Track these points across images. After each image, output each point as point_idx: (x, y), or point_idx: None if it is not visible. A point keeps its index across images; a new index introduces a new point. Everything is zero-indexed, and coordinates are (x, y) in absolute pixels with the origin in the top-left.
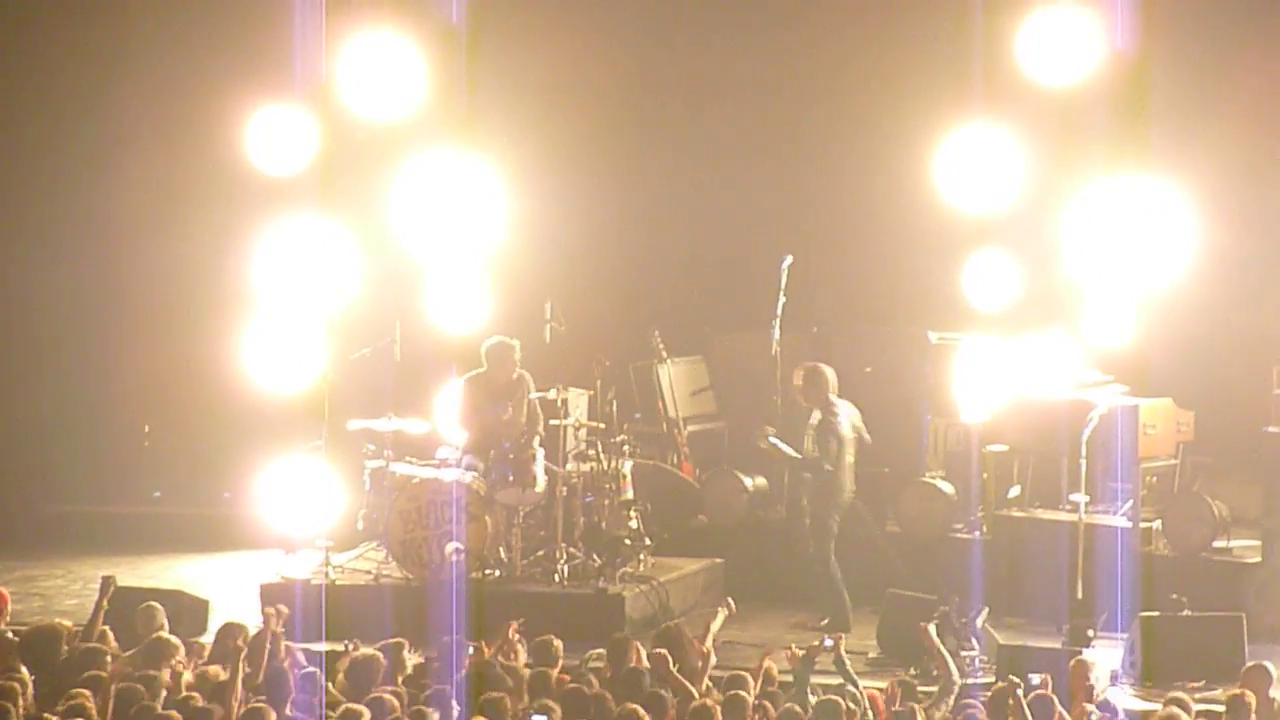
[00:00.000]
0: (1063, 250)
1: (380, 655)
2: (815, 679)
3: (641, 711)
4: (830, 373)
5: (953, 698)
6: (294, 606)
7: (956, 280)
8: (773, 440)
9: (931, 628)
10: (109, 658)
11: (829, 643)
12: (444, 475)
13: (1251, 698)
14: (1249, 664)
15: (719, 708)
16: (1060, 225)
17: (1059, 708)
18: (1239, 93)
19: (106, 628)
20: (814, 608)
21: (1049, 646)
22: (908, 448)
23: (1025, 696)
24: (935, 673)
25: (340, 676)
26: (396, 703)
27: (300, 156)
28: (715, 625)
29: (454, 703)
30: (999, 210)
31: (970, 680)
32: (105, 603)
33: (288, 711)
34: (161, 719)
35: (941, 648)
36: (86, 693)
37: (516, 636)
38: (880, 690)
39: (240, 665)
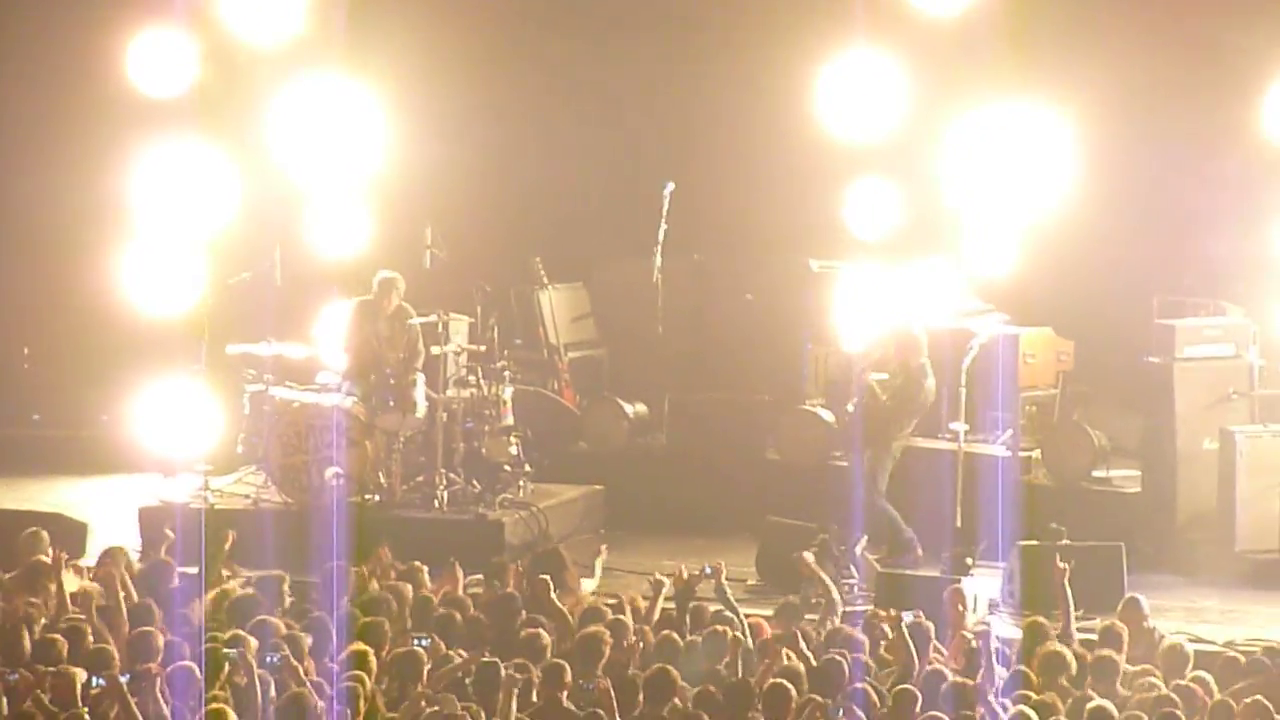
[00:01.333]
0: (943, 179)
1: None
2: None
3: (543, 633)
4: None
5: (836, 619)
6: (174, 530)
7: (837, 208)
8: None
9: (809, 555)
10: None
11: (709, 570)
12: (324, 400)
13: (1123, 628)
14: (1125, 597)
15: (606, 632)
16: (941, 153)
17: (933, 638)
18: (1120, 21)
19: None
20: (690, 534)
21: (928, 575)
22: (788, 375)
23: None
24: (815, 600)
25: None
26: (282, 626)
27: (181, 79)
28: (596, 574)
29: (333, 628)
30: (879, 138)
31: (849, 609)
32: None
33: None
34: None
35: (821, 573)
36: None
37: (389, 559)
38: (764, 617)
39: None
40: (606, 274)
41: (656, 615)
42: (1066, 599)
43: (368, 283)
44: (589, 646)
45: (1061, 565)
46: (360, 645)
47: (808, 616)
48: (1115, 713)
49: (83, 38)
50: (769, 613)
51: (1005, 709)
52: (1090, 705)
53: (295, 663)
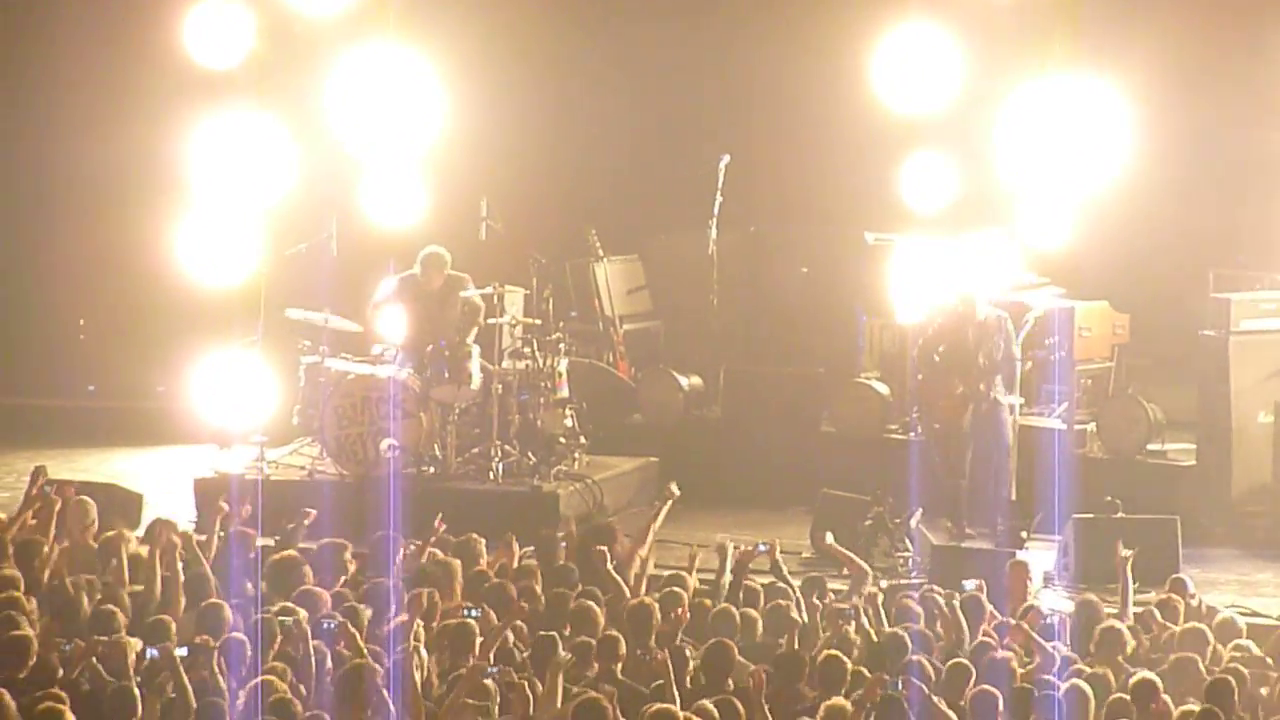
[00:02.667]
0: (999, 151)
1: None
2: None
3: (595, 606)
4: None
5: (867, 585)
6: (230, 501)
7: (893, 181)
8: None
9: (829, 536)
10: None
11: (763, 548)
12: (380, 371)
13: (1180, 602)
14: (1171, 577)
15: (656, 605)
16: (997, 126)
17: (990, 608)
18: None
19: (33, 519)
20: (745, 507)
21: (983, 548)
22: (843, 348)
23: (958, 600)
24: (845, 572)
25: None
26: (327, 596)
27: (237, 50)
28: (660, 516)
29: (390, 598)
30: (936, 111)
31: (904, 581)
32: (36, 492)
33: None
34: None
35: (841, 550)
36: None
37: (443, 529)
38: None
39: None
40: (662, 246)
41: (726, 582)
42: (1126, 583)
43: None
44: (640, 618)
45: (1125, 554)
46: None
47: (834, 588)
48: (1159, 683)
49: (140, 9)
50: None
51: (1059, 685)
52: (1134, 679)
53: (353, 629)
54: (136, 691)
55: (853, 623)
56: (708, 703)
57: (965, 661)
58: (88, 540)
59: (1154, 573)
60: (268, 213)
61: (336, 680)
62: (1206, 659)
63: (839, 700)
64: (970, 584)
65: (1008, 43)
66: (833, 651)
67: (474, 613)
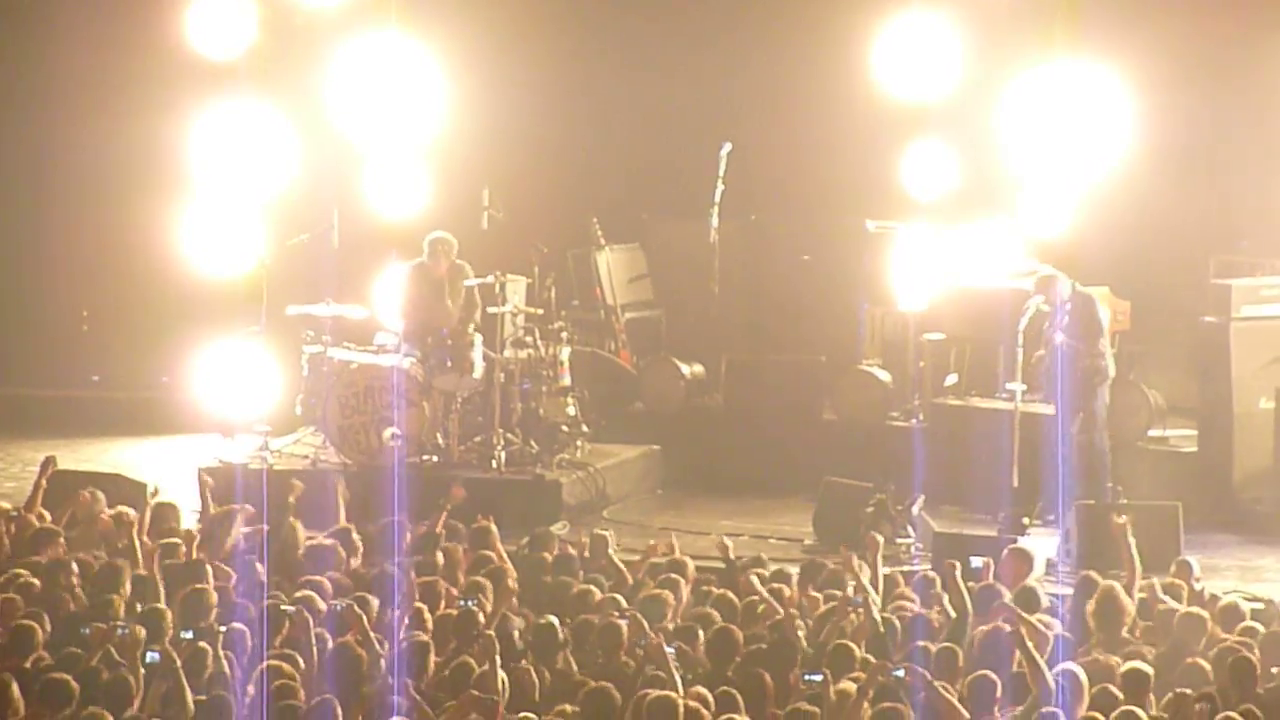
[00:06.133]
0: (1001, 139)
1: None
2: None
3: (595, 589)
4: None
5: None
6: (233, 490)
7: (894, 169)
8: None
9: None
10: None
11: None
12: (382, 361)
13: (1183, 586)
14: (1176, 559)
15: (669, 594)
16: (998, 114)
17: (1003, 591)
18: None
19: (44, 510)
20: (747, 495)
21: (985, 534)
22: (844, 336)
23: (965, 580)
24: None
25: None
26: (330, 587)
27: (239, 40)
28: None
29: (395, 585)
30: (937, 98)
31: (907, 568)
32: (44, 482)
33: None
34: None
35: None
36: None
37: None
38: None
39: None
40: (663, 235)
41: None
42: (1131, 553)
43: (422, 245)
44: (649, 607)
45: (1119, 520)
46: (417, 603)
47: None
48: (1150, 673)
49: (142, 1)
50: None
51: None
52: (1125, 668)
53: (359, 612)
54: (131, 680)
55: (860, 610)
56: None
57: (953, 645)
58: (96, 531)
59: (1156, 559)
60: (270, 203)
61: (335, 663)
62: (1202, 644)
63: (845, 685)
64: (978, 561)
65: (1008, 31)
66: (842, 640)
67: (469, 603)
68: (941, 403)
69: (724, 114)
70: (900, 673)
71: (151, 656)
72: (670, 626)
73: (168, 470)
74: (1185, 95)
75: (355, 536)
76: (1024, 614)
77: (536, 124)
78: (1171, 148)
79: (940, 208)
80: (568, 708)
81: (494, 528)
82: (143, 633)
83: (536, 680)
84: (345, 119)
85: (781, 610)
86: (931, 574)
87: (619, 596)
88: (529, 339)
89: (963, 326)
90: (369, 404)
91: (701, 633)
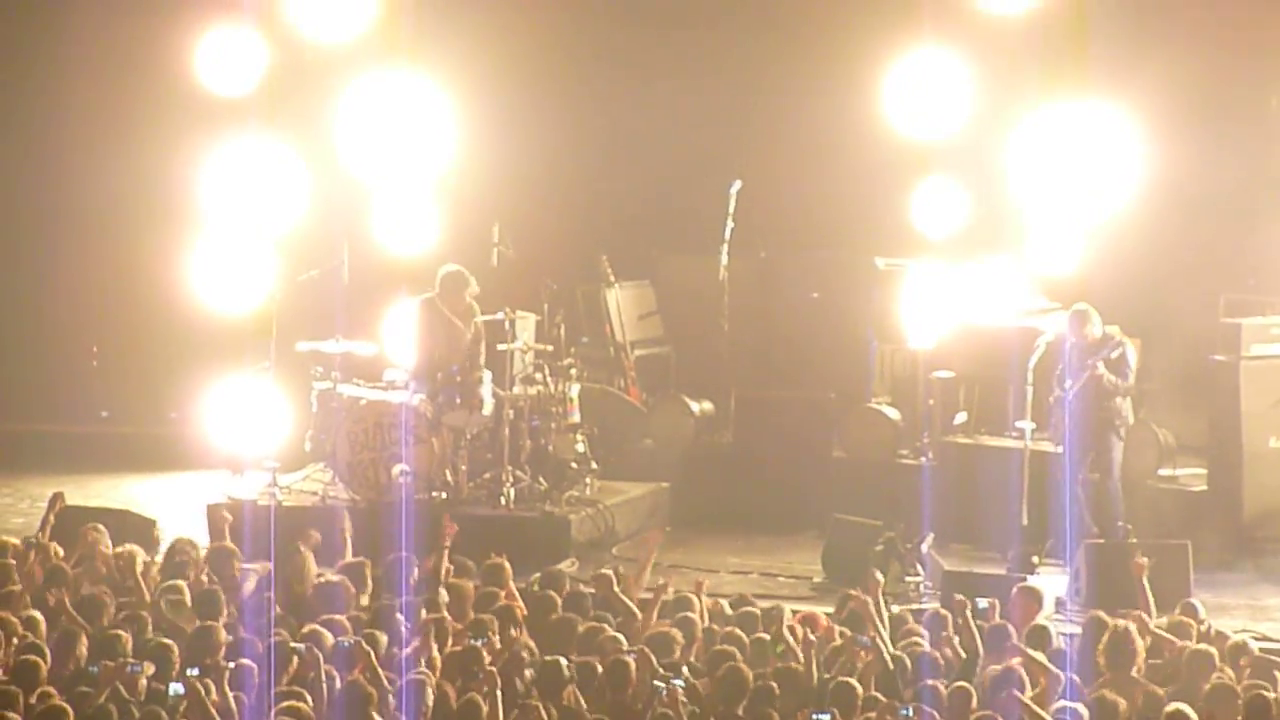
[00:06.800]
0: (1010, 177)
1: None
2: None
3: (608, 627)
4: None
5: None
6: (242, 526)
7: (904, 206)
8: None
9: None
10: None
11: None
12: (392, 397)
13: (1191, 625)
14: (1181, 602)
15: (677, 632)
16: (1007, 152)
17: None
18: (1185, 19)
19: (54, 544)
20: (756, 532)
21: (994, 573)
22: (854, 373)
23: (973, 620)
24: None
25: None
26: (347, 624)
27: (249, 76)
28: (649, 566)
29: (402, 620)
30: (946, 136)
31: (916, 606)
32: (53, 518)
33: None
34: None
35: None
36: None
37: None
38: (825, 614)
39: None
40: (673, 272)
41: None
42: (1146, 594)
43: (434, 280)
44: (658, 644)
45: (1141, 561)
46: (425, 640)
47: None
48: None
49: (151, 36)
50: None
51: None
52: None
53: (367, 648)
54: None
55: (868, 650)
56: None
57: (966, 685)
58: (100, 566)
59: (1166, 597)
60: (280, 239)
61: (344, 700)
62: (1211, 680)
63: None
64: (984, 602)
65: (1019, 69)
66: (845, 679)
67: (479, 641)
68: (951, 440)
69: (734, 151)
70: (908, 711)
71: (175, 689)
72: (679, 664)
73: (177, 506)
74: (1194, 133)
75: (366, 572)
76: (1033, 654)
77: (546, 160)
78: (1180, 186)
79: (950, 245)
80: None
81: (507, 565)
82: (151, 669)
83: (545, 717)
84: (355, 155)
85: (800, 650)
86: (944, 612)
87: (620, 636)
88: (538, 376)
89: (972, 364)
90: (378, 440)
91: (709, 670)
